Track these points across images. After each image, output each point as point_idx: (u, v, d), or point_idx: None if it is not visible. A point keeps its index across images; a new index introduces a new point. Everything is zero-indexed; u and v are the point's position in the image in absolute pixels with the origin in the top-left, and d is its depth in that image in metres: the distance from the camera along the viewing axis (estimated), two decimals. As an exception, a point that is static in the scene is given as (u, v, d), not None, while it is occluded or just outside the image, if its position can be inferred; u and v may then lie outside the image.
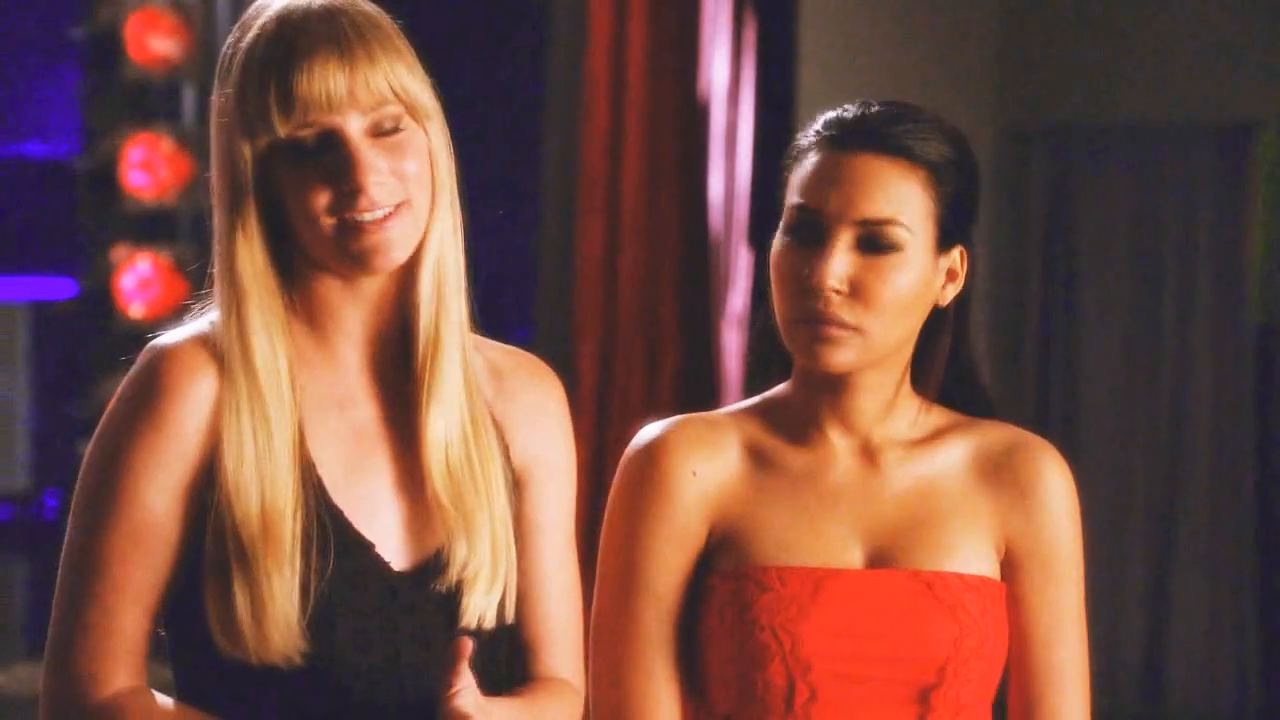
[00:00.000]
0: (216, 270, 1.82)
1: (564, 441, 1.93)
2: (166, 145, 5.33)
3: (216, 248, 1.82)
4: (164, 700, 1.81)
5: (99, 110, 5.48)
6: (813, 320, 1.88)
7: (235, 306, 1.80)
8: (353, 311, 1.85)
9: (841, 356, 1.89)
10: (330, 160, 1.78)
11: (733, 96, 5.40)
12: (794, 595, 1.89)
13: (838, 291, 1.87)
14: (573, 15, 5.41)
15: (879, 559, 1.93)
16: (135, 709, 1.78)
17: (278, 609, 1.77)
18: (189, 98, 5.40)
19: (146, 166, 5.34)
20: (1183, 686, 5.80)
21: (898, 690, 1.90)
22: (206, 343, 1.81)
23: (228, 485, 1.78)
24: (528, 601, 1.89)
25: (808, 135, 1.94)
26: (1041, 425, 5.89)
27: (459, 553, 1.83)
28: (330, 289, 1.84)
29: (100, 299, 5.40)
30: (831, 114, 1.94)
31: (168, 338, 1.83)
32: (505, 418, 1.90)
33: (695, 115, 5.36)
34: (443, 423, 1.84)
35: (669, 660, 1.92)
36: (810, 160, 1.91)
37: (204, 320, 1.84)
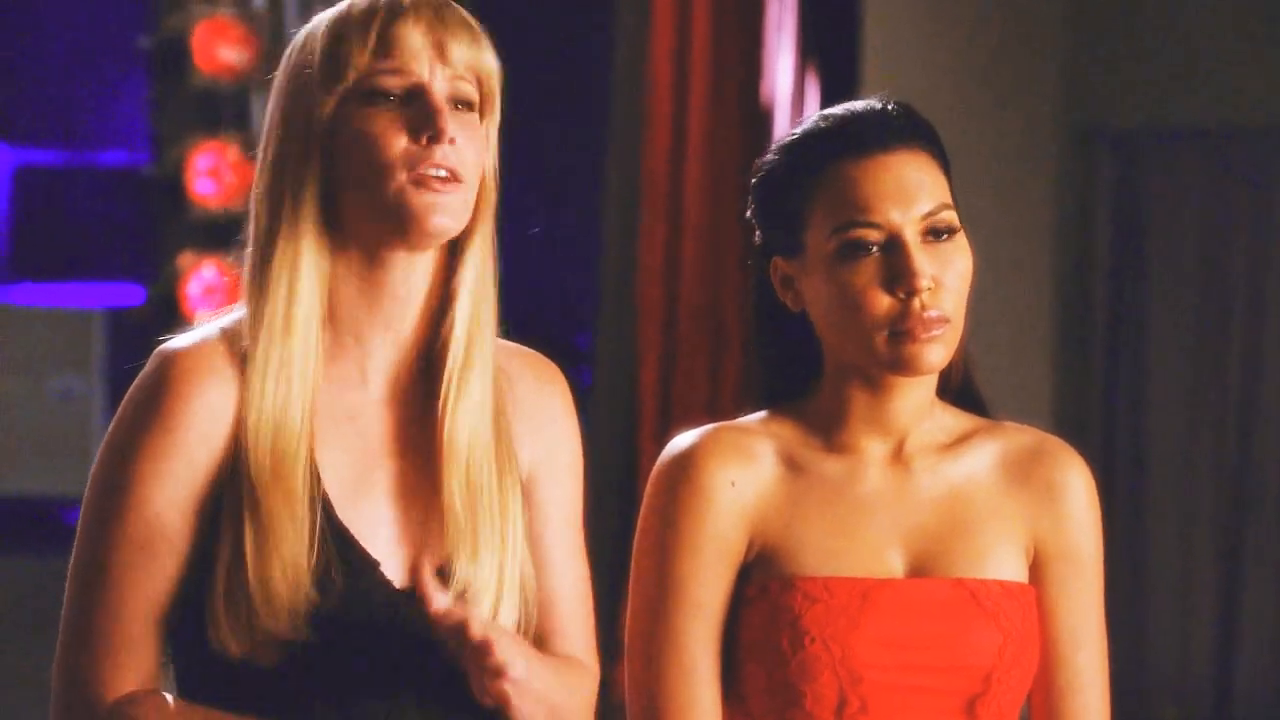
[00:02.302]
0: (266, 225, 1.81)
1: (571, 441, 1.93)
2: (233, 153, 5.37)
3: (272, 200, 1.81)
4: (176, 701, 1.80)
5: (167, 119, 5.53)
6: (914, 327, 1.88)
7: (293, 255, 1.80)
8: (371, 317, 1.84)
9: (939, 354, 1.90)
10: (412, 109, 1.80)
11: (796, 101, 5.39)
12: (843, 606, 1.88)
13: (927, 289, 1.88)
14: (636, 20, 5.42)
15: (920, 566, 1.93)
16: (147, 712, 1.77)
17: (287, 554, 1.75)
18: (256, 106, 5.44)
19: (213, 174, 5.39)
20: (1252, 698, 5.74)
21: (946, 699, 1.90)
22: (219, 345, 1.81)
23: (247, 440, 1.78)
24: (538, 599, 1.89)
25: (800, 158, 1.92)
26: (1109, 434, 5.84)
27: (461, 566, 1.82)
28: (349, 289, 1.83)
29: (167, 305, 5.44)
30: (819, 129, 1.93)
31: (176, 342, 1.83)
32: (513, 420, 1.90)
33: (758, 119, 5.35)
34: (466, 433, 1.84)
35: (712, 672, 1.91)
36: (838, 177, 1.90)
37: (214, 325, 1.84)
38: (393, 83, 1.81)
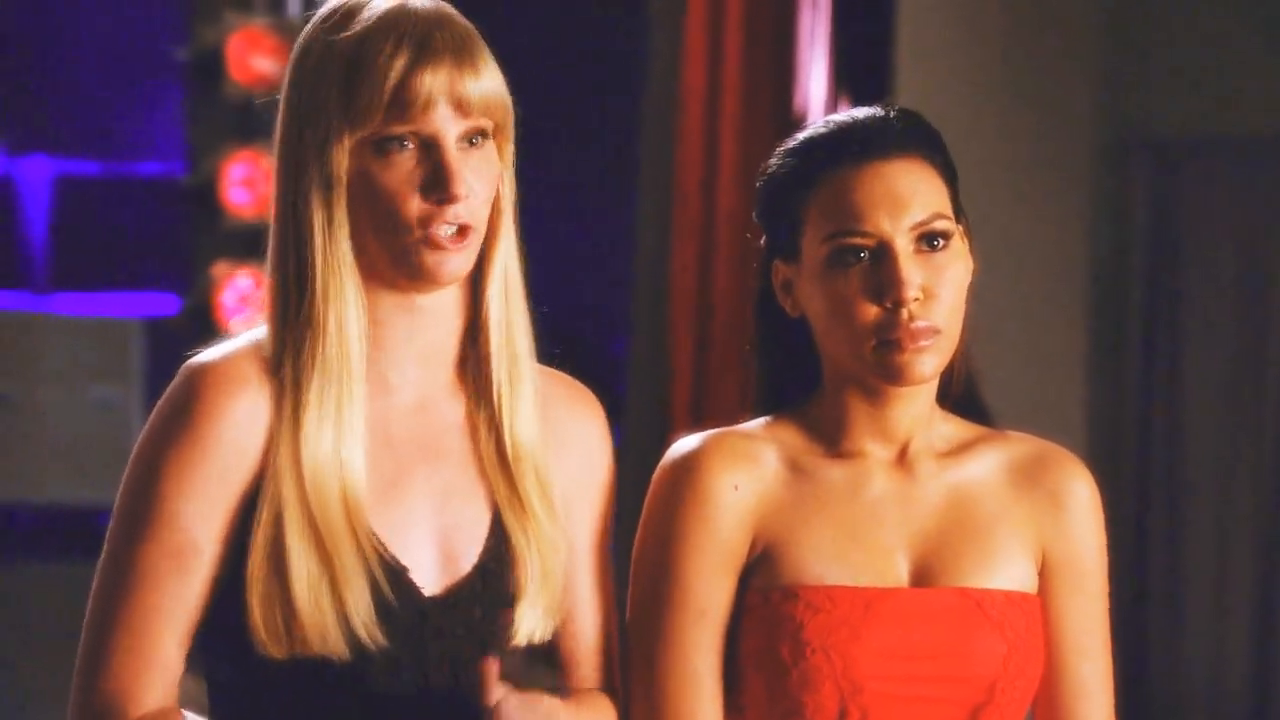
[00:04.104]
0: (295, 261, 1.80)
1: (603, 463, 1.93)
2: (267, 163, 5.39)
3: (297, 238, 1.80)
4: None
5: (201, 129, 5.55)
6: (901, 337, 1.87)
7: (335, 296, 1.79)
8: (399, 329, 1.85)
9: (929, 365, 1.89)
10: (426, 166, 1.80)
11: (829, 113, 5.39)
12: (845, 616, 1.88)
13: (915, 299, 1.88)
14: (669, 31, 5.42)
15: (924, 574, 1.92)
16: None
17: (357, 591, 1.77)
18: (290, 116, 5.45)
19: (248, 184, 5.41)
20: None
21: (949, 710, 1.89)
22: (249, 358, 1.81)
23: (304, 480, 1.77)
24: (565, 619, 1.89)
25: (800, 163, 1.93)
26: (1145, 446, 5.81)
27: (533, 565, 1.84)
28: (381, 301, 1.84)
29: (203, 315, 5.46)
30: (819, 135, 1.94)
31: (205, 355, 1.83)
32: (546, 440, 1.89)
33: (791, 130, 5.34)
34: (528, 437, 1.86)
35: (714, 679, 1.91)
36: (833, 184, 1.90)
37: (243, 338, 1.84)
38: (408, 131, 1.80)
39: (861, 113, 1.94)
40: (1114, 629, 2.01)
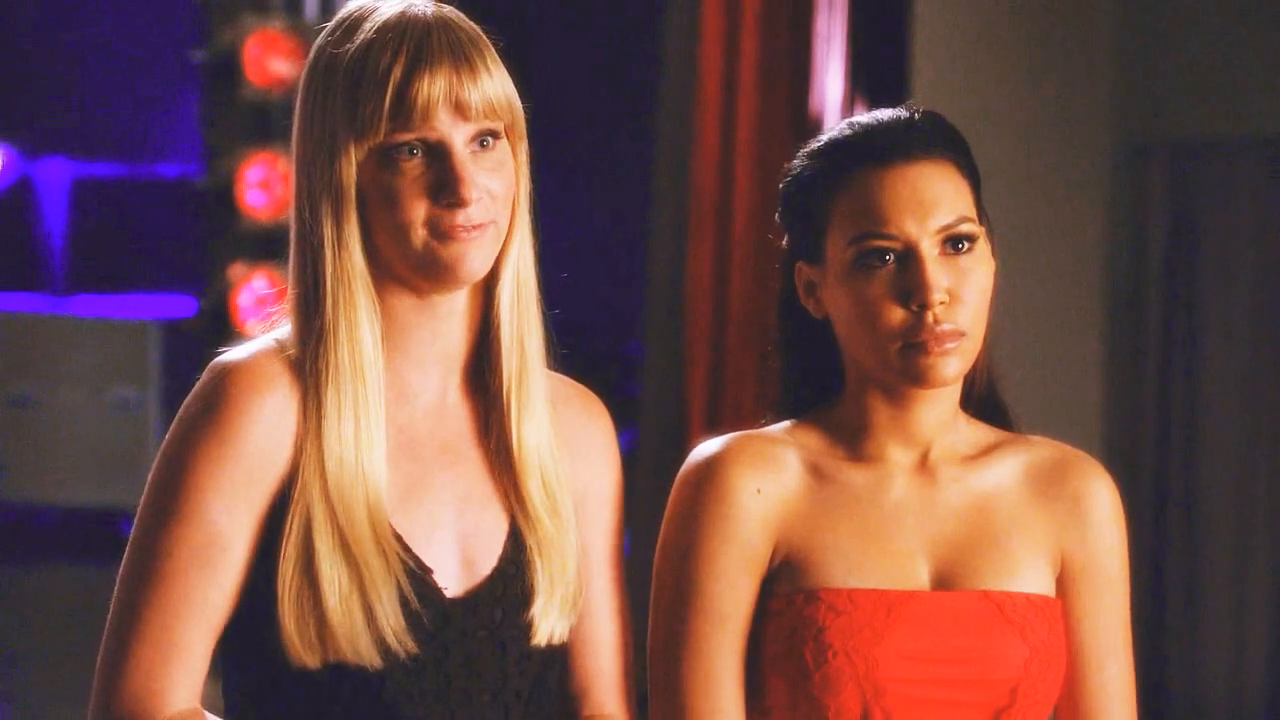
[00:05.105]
0: (311, 272, 1.82)
1: (612, 473, 1.93)
2: (284, 165, 5.41)
3: (311, 249, 1.81)
4: None
5: (218, 131, 5.57)
6: (926, 340, 1.87)
7: (346, 306, 1.80)
8: (421, 332, 1.85)
9: (954, 368, 1.89)
10: (434, 171, 1.80)
11: (846, 113, 5.39)
12: (867, 619, 1.88)
13: (941, 303, 1.88)
14: (685, 33, 5.42)
15: (946, 577, 1.92)
16: None
17: (385, 599, 1.78)
18: (307, 118, 5.45)
19: (264, 186, 5.43)
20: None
21: (971, 713, 1.89)
22: (276, 357, 1.82)
23: (329, 490, 1.78)
24: (576, 631, 1.89)
25: (824, 165, 1.93)
26: (1161, 453, 5.80)
27: (540, 567, 1.84)
28: (402, 306, 1.84)
29: (219, 316, 5.48)
30: (843, 136, 1.93)
31: (233, 354, 1.83)
32: (560, 446, 1.89)
33: (807, 131, 5.35)
34: (535, 438, 1.86)
35: (736, 682, 1.91)
36: (858, 186, 1.90)
37: (269, 337, 1.85)
38: (413, 139, 1.80)
39: (885, 114, 1.94)
40: (1132, 633, 2.01)
